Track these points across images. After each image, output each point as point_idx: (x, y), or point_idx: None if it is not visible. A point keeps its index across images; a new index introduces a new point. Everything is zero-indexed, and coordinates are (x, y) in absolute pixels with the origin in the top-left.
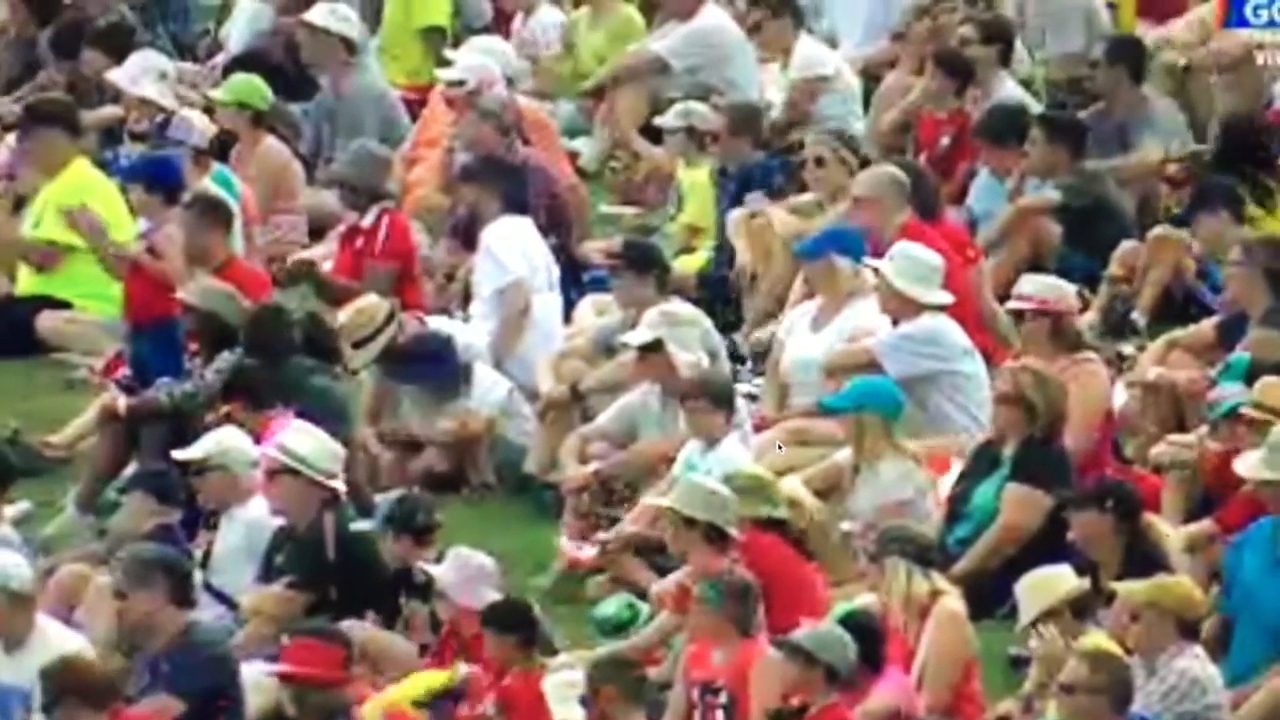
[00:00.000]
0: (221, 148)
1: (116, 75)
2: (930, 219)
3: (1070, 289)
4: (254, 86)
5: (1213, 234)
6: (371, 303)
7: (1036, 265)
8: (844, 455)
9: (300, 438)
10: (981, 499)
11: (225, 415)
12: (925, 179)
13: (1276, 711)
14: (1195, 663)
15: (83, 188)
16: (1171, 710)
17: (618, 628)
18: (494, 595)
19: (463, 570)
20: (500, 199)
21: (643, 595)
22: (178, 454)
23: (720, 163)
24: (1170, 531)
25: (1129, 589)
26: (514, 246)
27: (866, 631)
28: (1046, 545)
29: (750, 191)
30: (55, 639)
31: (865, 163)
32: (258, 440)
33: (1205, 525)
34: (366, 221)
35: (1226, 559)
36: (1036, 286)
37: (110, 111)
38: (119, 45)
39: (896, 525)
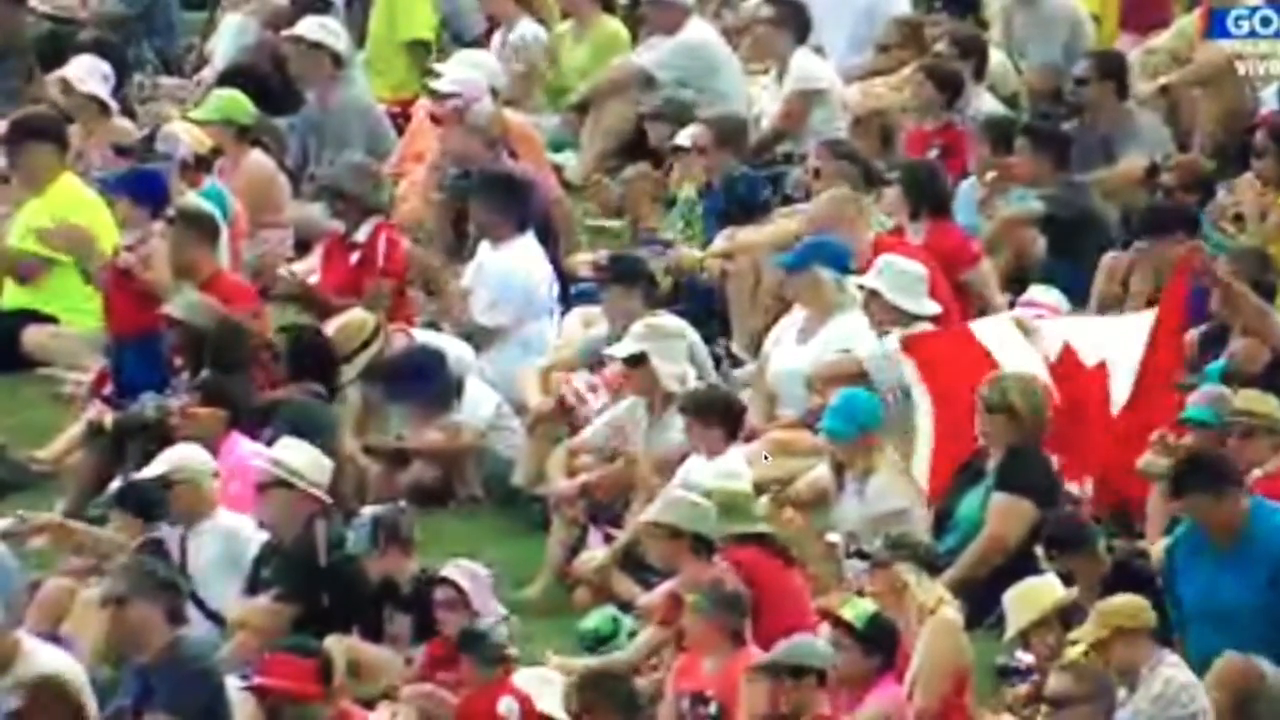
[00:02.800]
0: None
1: (66, 72)
2: (943, 217)
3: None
4: (238, 101)
5: (1167, 259)
6: (357, 317)
7: (1021, 276)
8: (824, 468)
9: (292, 451)
10: (967, 510)
11: (182, 412)
12: (939, 177)
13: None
14: (1178, 671)
15: (70, 202)
16: (1161, 715)
17: (600, 641)
18: (497, 605)
19: (473, 580)
20: (512, 218)
21: (626, 608)
22: (138, 475)
23: (706, 176)
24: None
25: (1090, 636)
26: (528, 274)
27: (888, 633)
28: (1033, 555)
29: (735, 203)
30: (43, 661)
31: (867, 169)
32: (214, 452)
33: None
34: (360, 236)
35: (1164, 565)
36: (1045, 295)
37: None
38: (106, 60)
39: (900, 532)
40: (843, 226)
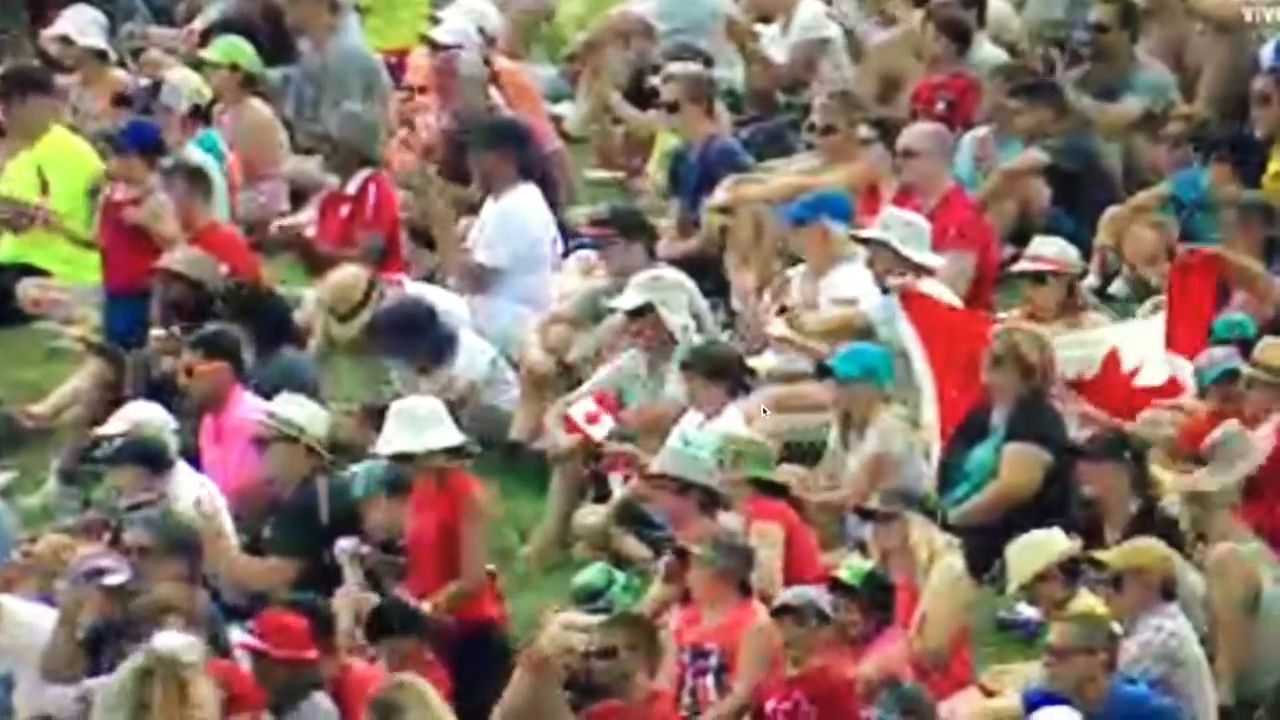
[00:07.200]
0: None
1: (64, 27)
2: None
3: (1075, 254)
4: (242, 48)
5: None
6: (350, 275)
7: (1024, 227)
8: (831, 430)
9: (293, 406)
10: (978, 461)
11: (187, 370)
12: None
13: None
14: (1169, 620)
15: (60, 153)
16: (1149, 663)
17: (592, 595)
18: None
19: None
20: (512, 166)
21: (625, 563)
22: (98, 430)
23: (682, 135)
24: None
25: (1109, 557)
26: (528, 219)
27: (884, 589)
28: (1040, 506)
29: (707, 173)
30: (23, 616)
31: (880, 124)
32: (218, 406)
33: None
34: (351, 189)
35: None
36: (1052, 249)
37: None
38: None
39: (900, 485)
40: (938, 159)
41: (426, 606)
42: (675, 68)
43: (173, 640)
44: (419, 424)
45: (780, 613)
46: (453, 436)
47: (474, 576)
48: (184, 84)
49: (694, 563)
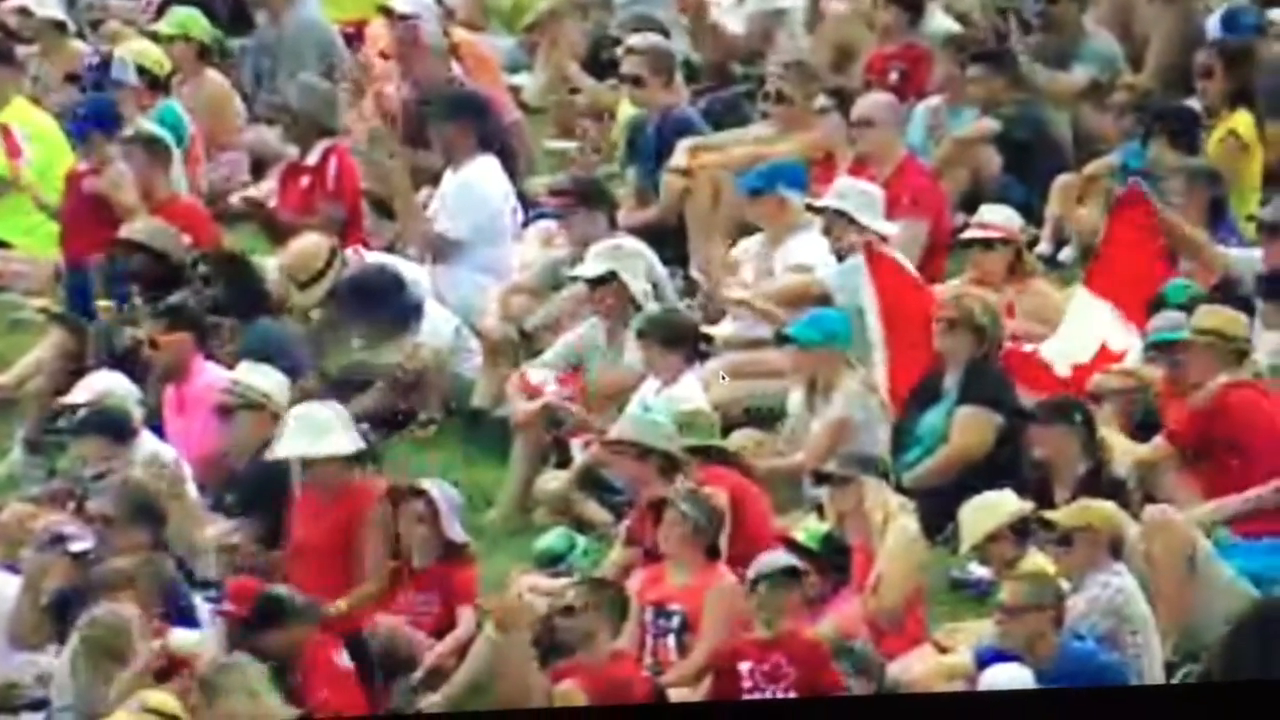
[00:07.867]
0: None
1: None
2: None
3: (1020, 221)
4: (196, 19)
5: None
6: (312, 242)
7: (975, 195)
8: (793, 395)
9: (256, 375)
10: (930, 425)
11: (150, 342)
12: None
13: None
14: (1116, 577)
15: (22, 125)
16: (1097, 619)
17: (553, 559)
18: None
19: (448, 500)
20: (475, 136)
21: (581, 528)
22: (64, 399)
23: (644, 107)
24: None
25: (1059, 516)
26: (488, 191)
27: (841, 551)
28: (991, 467)
29: (670, 141)
30: None
31: (837, 92)
32: (180, 376)
33: (1156, 445)
34: (311, 159)
35: None
36: (998, 216)
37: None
38: None
39: (858, 449)
40: (893, 129)
41: (341, 604)
42: (636, 40)
43: (187, 637)
44: (318, 429)
45: (756, 577)
46: (351, 443)
47: (379, 580)
48: (133, 57)
49: (667, 517)
